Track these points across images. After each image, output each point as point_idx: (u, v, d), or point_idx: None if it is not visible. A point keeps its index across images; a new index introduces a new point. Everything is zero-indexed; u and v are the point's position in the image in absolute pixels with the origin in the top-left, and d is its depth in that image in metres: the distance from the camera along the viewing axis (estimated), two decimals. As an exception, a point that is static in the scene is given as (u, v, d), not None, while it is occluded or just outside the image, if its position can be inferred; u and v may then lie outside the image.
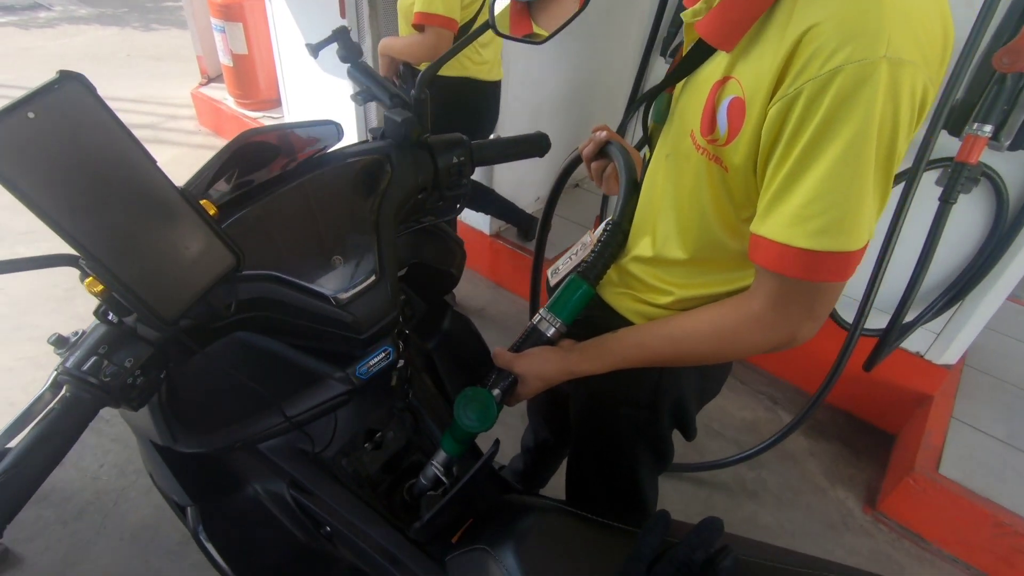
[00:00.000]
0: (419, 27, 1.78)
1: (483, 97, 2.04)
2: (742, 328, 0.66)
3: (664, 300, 0.77)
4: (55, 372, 0.55)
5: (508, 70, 2.13)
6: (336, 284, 0.67)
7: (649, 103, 0.80)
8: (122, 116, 0.46)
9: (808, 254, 0.55)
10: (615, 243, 0.81)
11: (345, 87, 2.75)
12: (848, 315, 1.71)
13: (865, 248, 0.57)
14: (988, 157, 1.49)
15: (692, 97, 0.68)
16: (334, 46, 1.03)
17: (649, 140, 0.82)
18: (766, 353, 0.67)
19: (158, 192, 0.48)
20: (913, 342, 1.89)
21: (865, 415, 2.11)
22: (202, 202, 0.54)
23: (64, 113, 0.43)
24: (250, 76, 3.51)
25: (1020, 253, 1.61)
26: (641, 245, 0.79)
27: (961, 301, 1.74)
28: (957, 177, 1.46)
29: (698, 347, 0.69)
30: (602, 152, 0.93)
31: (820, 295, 0.60)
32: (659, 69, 2.06)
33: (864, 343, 1.66)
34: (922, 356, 1.90)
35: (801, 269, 0.56)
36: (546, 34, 0.80)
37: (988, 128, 1.38)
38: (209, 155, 0.64)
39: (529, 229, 2.46)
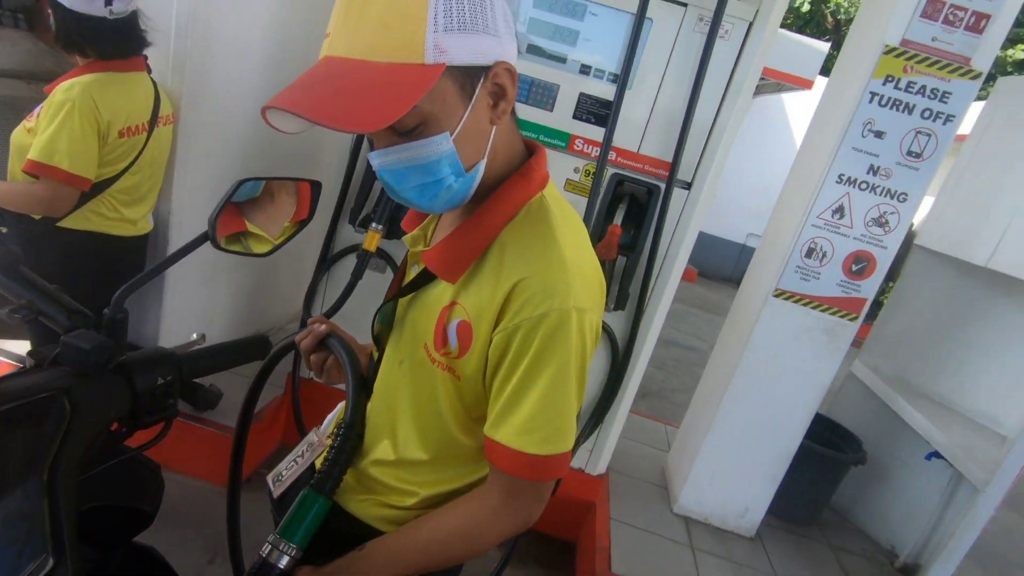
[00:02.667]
0: (32, 175, 1.51)
1: (124, 252, 1.79)
2: (486, 524, 0.72)
3: (410, 501, 0.78)
4: None
5: (183, 220, 1.94)
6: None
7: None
8: None
9: (537, 459, 0.66)
10: (350, 447, 0.79)
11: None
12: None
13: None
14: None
15: (423, 313, 0.76)
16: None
17: (376, 341, 0.86)
18: (506, 538, 0.74)
19: None
20: (576, 461, 2.30)
21: (549, 530, 2.41)
22: None
23: None
24: None
25: (632, 380, 2.19)
26: (381, 448, 0.80)
27: (602, 422, 2.22)
28: (587, 331, 1.93)
29: (451, 550, 0.72)
30: (322, 344, 0.92)
31: (546, 485, 0.72)
32: (345, 234, 2.17)
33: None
34: (583, 470, 2.31)
35: (532, 472, 0.67)
36: (266, 247, 0.79)
37: (600, 297, 1.90)
38: None
39: (198, 399, 2.13)
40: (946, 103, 1.92)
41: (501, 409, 0.68)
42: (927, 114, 1.93)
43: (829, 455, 2.47)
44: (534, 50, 1.92)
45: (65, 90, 1.50)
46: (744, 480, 2.35)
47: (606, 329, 2.09)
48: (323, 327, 0.91)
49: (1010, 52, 9.95)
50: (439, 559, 0.73)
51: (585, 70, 1.92)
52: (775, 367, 2.21)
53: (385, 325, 0.84)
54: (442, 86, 0.59)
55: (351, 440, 0.80)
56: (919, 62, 1.89)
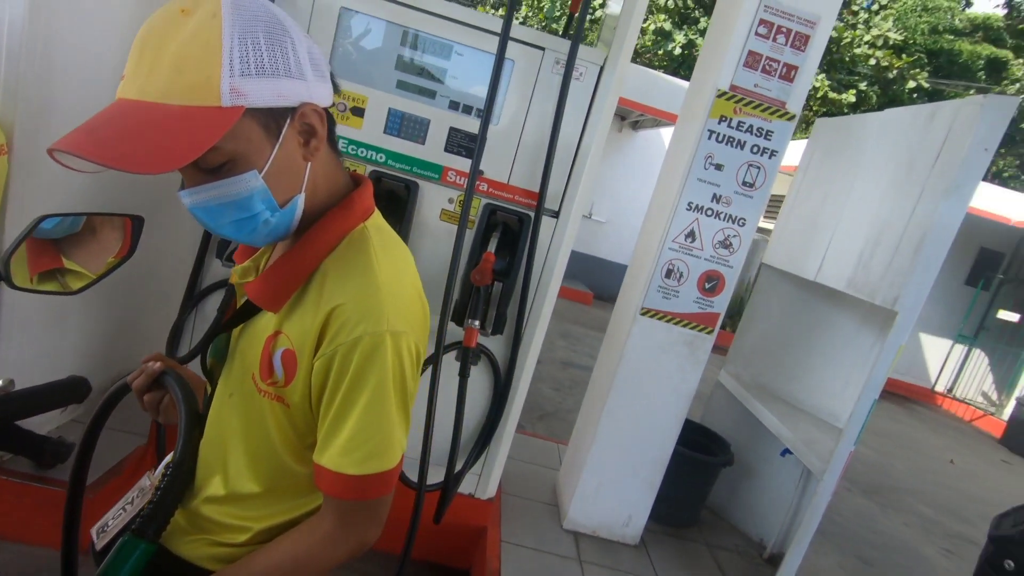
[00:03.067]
0: None
1: None
2: (318, 550, 0.73)
3: (242, 538, 0.77)
4: None
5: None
6: None
7: (207, 342, 0.84)
8: None
9: (358, 479, 0.69)
10: (178, 486, 0.77)
11: None
12: (412, 473, 1.99)
13: (401, 460, 0.74)
14: (482, 340, 2.09)
15: (250, 344, 0.76)
16: None
17: (209, 375, 0.85)
18: (342, 563, 0.75)
19: None
20: (466, 486, 2.31)
21: (441, 560, 2.39)
22: None
23: None
24: None
25: (515, 402, 2.25)
26: (213, 484, 0.79)
27: (488, 445, 2.26)
28: (466, 356, 1.98)
29: (282, 581, 0.72)
30: (157, 382, 0.89)
31: (377, 505, 0.74)
32: (214, 269, 2.09)
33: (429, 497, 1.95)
34: (473, 496, 2.33)
35: (355, 492, 0.69)
36: (81, 284, 0.76)
37: (477, 322, 1.95)
38: None
39: (44, 454, 1.92)
40: (770, 140, 2.21)
41: (325, 433, 0.70)
42: (756, 149, 2.21)
43: (699, 459, 2.67)
44: (404, 86, 1.98)
45: None
46: (626, 490, 2.48)
47: (487, 353, 2.15)
48: (157, 365, 0.88)
49: (844, 96, 11.54)
50: (271, 593, 0.72)
51: (454, 106, 2.01)
52: (646, 380, 2.37)
53: (217, 359, 0.83)
54: (244, 127, 0.62)
55: (180, 479, 0.77)
56: (746, 105, 2.17)
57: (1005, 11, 16.09)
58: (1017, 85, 12.81)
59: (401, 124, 2.00)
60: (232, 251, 2.03)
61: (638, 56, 11.96)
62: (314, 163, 0.71)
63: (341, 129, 1.99)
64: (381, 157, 2.02)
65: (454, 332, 2.02)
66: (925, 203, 2.06)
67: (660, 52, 11.53)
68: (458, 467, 2.16)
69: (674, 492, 2.61)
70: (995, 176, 14.86)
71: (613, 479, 2.47)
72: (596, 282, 9.15)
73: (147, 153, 0.56)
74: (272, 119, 0.64)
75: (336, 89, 0.74)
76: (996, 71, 14.13)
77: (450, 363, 2.05)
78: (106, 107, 0.59)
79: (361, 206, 0.77)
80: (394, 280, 0.73)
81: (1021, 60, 13.60)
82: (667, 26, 11.13)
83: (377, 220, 0.80)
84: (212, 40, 0.58)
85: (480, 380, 2.20)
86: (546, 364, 5.35)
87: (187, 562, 0.78)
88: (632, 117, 8.61)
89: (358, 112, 1.98)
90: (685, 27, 11.25)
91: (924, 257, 1.99)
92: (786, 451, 2.65)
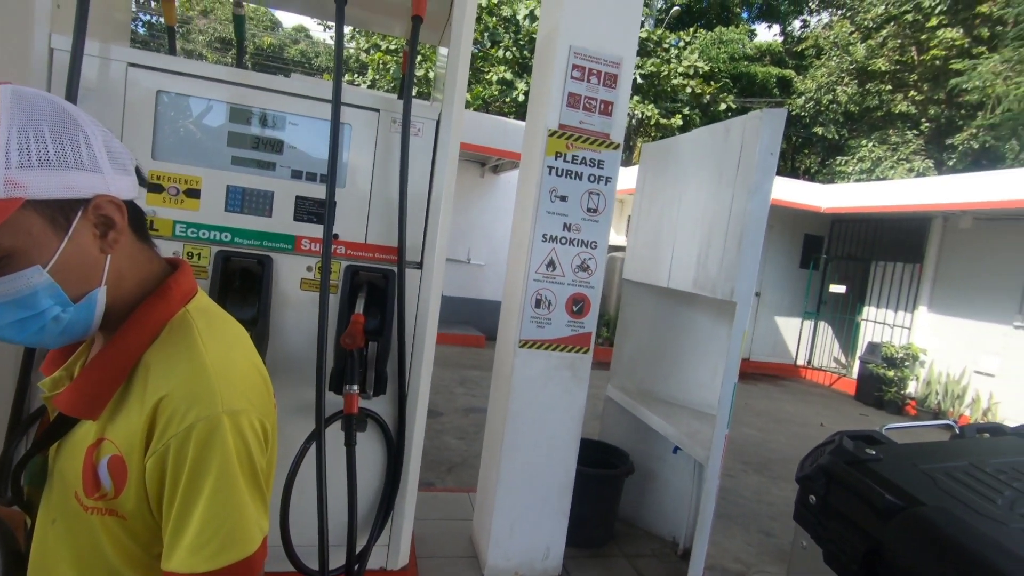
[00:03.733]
0: None
1: None
2: (182, 665, 0.66)
3: None
4: None
5: None
6: None
7: (20, 468, 0.76)
8: None
9: (213, 574, 0.64)
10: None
11: None
12: (312, 562, 1.86)
13: (264, 543, 0.71)
14: (366, 404, 2.04)
15: (69, 460, 0.70)
16: None
17: (28, 506, 0.76)
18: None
19: None
20: (375, 560, 2.19)
21: (365, 648, 2.22)
22: None
23: None
24: None
25: (411, 461, 2.19)
26: (41, 628, 0.69)
27: (392, 511, 2.17)
28: (350, 423, 1.91)
29: None
30: (-35, 529, 0.78)
31: (240, 596, 0.69)
32: (47, 385, 1.85)
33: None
34: (384, 568, 2.21)
35: None
36: None
37: (355, 387, 1.90)
38: None
39: None
40: (603, 169, 2.43)
41: (170, 536, 0.65)
42: (592, 178, 2.42)
43: (601, 474, 2.76)
44: (240, 161, 1.94)
45: None
46: (539, 521, 2.49)
47: (374, 417, 2.10)
48: (-42, 506, 0.77)
49: (672, 121, 12.98)
50: None
51: (297, 174, 1.99)
52: (536, 409, 2.44)
53: (35, 484, 0.74)
54: (24, 220, 0.59)
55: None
56: (575, 140, 2.38)
57: (782, 38, 19.22)
58: (803, 98, 15.21)
59: (243, 200, 1.94)
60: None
61: (488, 105, 12.62)
62: (115, 255, 0.68)
63: (176, 213, 1.89)
64: (226, 236, 1.94)
65: (335, 402, 1.95)
66: (737, 203, 2.37)
67: (507, 100, 12.26)
68: (363, 543, 2.05)
69: (585, 512, 2.66)
70: (805, 173, 17.37)
71: (525, 514, 2.47)
72: (486, 324, 9.25)
73: None
74: (60, 212, 0.62)
75: (142, 182, 0.72)
76: (786, 87, 16.73)
77: (338, 434, 1.97)
78: None
79: (179, 291, 0.74)
80: (224, 359, 0.71)
81: (801, 77, 16.22)
82: (508, 76, 11.90)
83: (201, 302, 0.77)
84: None
85: (372, 446, 2.13)
86: (449, 414, 5.28)
87: None
88: (492, 162, 8.99)
89: (193, 194, 1.90)
90: (525, 75, 12.10)
91: (746, 249, 2.28)
92: (676, 448, 2.83)
